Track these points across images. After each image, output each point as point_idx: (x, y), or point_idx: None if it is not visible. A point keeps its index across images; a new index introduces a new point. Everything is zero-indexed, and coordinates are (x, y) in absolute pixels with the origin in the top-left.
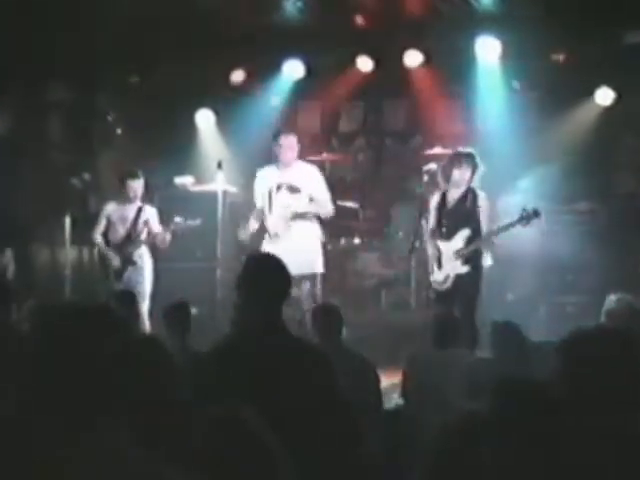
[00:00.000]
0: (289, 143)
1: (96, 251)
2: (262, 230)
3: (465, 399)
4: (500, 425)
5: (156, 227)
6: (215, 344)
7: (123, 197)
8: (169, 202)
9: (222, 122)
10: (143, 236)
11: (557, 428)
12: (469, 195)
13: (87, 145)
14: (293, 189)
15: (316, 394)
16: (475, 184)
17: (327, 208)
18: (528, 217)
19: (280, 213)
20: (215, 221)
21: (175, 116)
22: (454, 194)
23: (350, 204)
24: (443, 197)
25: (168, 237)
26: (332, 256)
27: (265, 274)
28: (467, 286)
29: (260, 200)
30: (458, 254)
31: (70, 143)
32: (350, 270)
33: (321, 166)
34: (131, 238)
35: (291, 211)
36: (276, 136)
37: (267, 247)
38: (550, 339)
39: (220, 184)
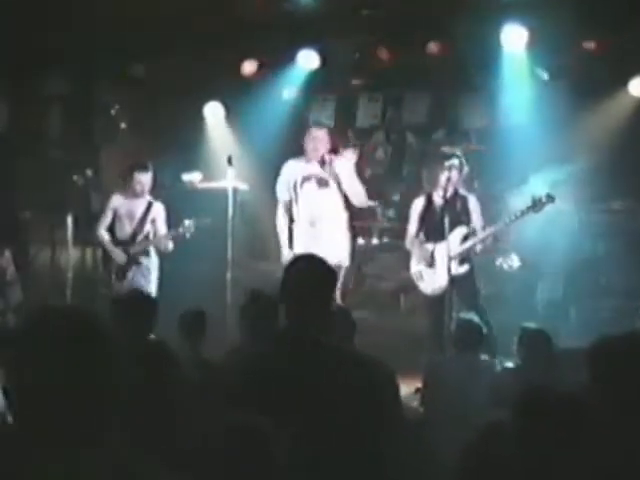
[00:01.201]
0: (321, 136)
1: (100, 248)
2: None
3: (490, 407)
4: (527, 434)
5: (162, 228)
6: (252, 354)
7: (130, 191)
8: (176, 200)
9: (232, 115)
10: (150, 235)
11: (586, 436)
12: (458, 199)
13: (89, 140)
14: (322, 182)
15: (369, 410)
16: (460, 186)
17: (361, 200)
18: (540, 202)
19: (307, 208)
20: (225, 220)
21: (182, 109)
22: (441, 197)
23: (368, 202)
24: (429, 200)
25: (170, 245)
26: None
27: (308, 277)
28: (467, 286)
29: (285, 194)
30: (457, 253)
31: (71, 138)
32: (368, 272)
33: None
34: (137, 236)
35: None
36: (307, 129)
37: (295, 242)
38: (581, 345)
39: (230, 181)
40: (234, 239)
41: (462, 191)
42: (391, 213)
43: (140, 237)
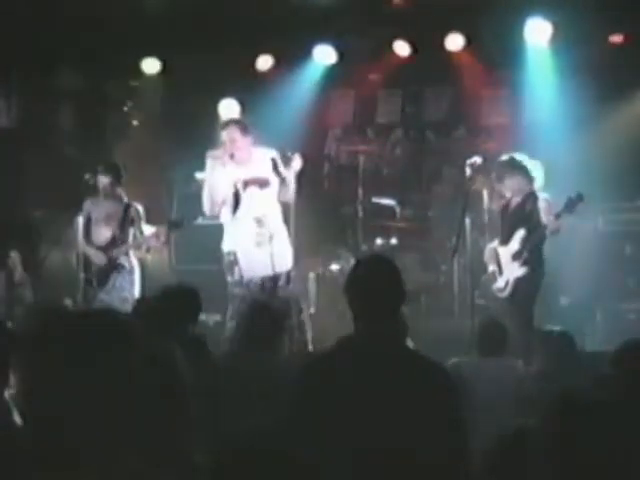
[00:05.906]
0: (231, 138)
1: (75, 254)
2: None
3: (514, 412)
4: (555, 440)
5: (143, 229)
6: (323, 355)
7: (104, 193)
8: (189, 199)
9: (247, 112)
10: (130, 238)
11: (613, 444)
12: (529, 199)
13: (101, 138)
14: (262, 183)
15: (429, 415)
16: (537, 188)
17: (289, 193)
18: (572, 203)
19: (251, 213)
20: None
21: (196, 106)
22: (516, 200)
23: (386, 201)
24: (507, 204)
25: (162, 238)
26: None
27: (376, 278)
28: (526, 290)
29: (220, 195)
30: (517, 256)
31: (83, 135)
32: None
33: (354, 159)
34: (117, 240)
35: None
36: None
37: (245, 251)
38: (607, 349)
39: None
40: None
41: (539, 193)
42: (409, 213)
43: (121, 240)
